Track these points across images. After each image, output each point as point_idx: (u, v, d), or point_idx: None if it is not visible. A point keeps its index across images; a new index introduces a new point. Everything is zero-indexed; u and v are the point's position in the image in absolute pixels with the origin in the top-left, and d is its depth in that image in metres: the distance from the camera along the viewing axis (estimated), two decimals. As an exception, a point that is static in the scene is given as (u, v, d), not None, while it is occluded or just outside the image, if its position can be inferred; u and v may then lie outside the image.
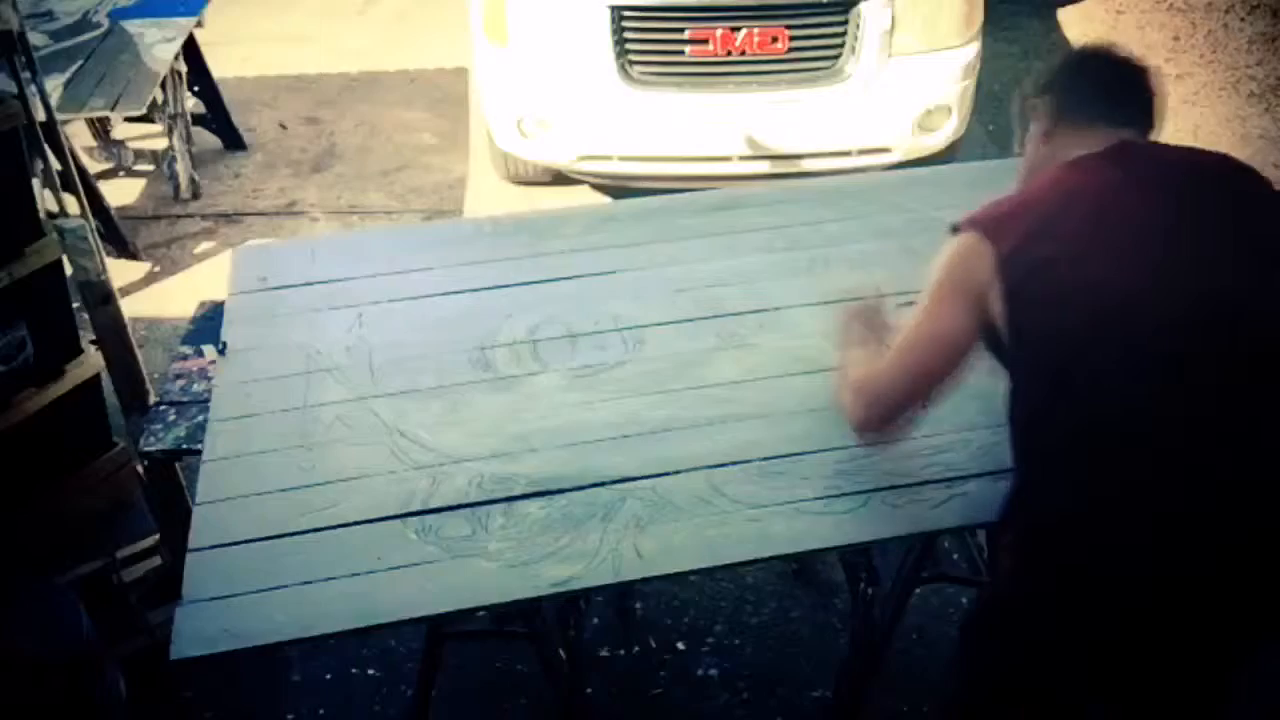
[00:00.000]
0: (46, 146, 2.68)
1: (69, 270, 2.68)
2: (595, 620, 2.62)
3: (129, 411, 2.63)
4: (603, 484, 1.71)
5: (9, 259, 2.58)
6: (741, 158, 3.93)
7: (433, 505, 1.67)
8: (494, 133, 4.17)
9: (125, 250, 4.01)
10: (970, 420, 1.83)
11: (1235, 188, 1.61)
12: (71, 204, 2.76)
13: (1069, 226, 1.48)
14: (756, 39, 3.76)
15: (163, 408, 2.26)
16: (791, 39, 3.79)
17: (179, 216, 4.38)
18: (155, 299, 3.87)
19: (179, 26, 4.20)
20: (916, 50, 3.88)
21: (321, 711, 2.45)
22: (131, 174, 4.62)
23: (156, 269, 4.05)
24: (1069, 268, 1.45)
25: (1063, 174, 1.56)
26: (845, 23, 3.80)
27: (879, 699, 2.37)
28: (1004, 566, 1.61)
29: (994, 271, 1.48)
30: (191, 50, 4.44)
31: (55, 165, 2.76)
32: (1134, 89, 1.63)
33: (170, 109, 4.28)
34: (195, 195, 4.46)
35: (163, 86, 4.14)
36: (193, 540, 1.63)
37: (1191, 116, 5.00)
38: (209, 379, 2.14)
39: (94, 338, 2.77)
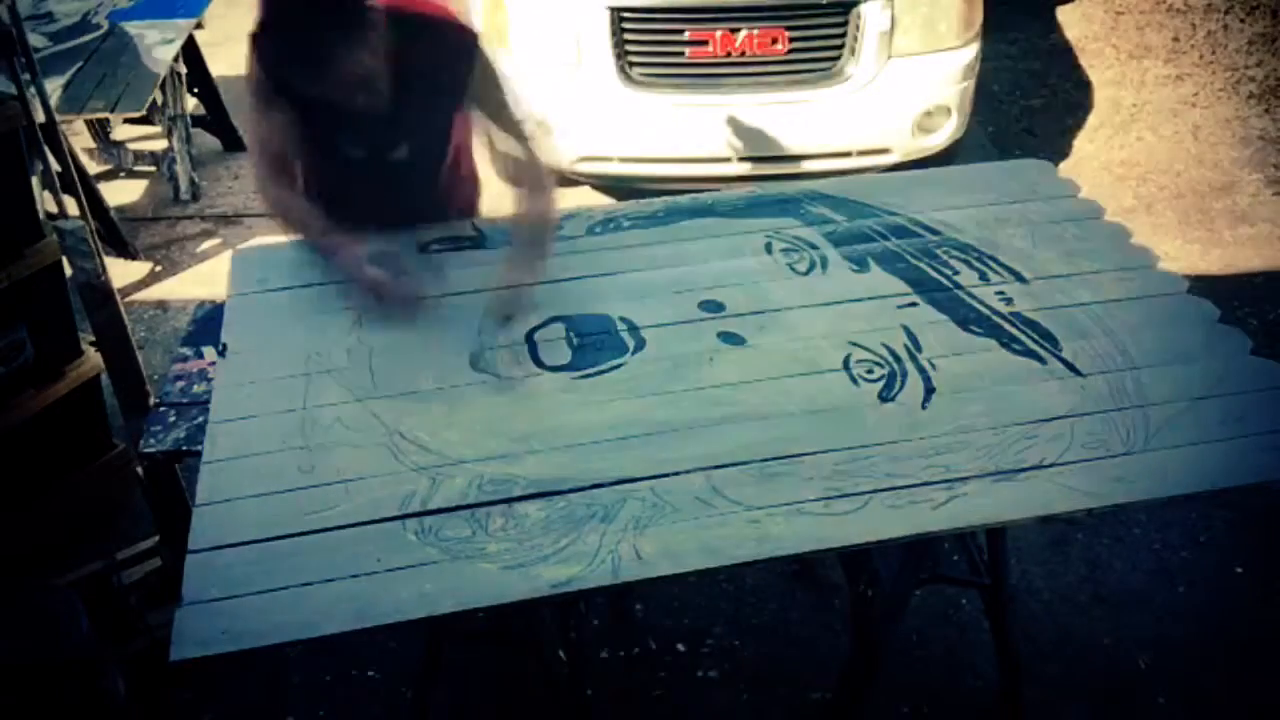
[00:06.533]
0: (46, 148, 2.68)
1: (69, 271, 2.69)
2: (595, 622, 2.62)
3: (129, 413, 2.64)
4: (602, 485, 1.71)
5: (8, 260, 2.58)
6: (741, 159, 3.93)
7: (432, 506, 1.67)
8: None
9: (125, 251, 4.01)
10: (970, 421, 1.83)
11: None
12: (71, 205, 2.76)
13: None
14: (756, 40, 3.76)
15: (162, 409, 2.26)
16: (791, 40, 3.79)
17: (179, 218, 4.38)
18: (155, 300, 3.88)
19: (179, 28, 4.20)
20: (916, 51, 3.88)
21: (321, 713, 2.45)
22: (131, 175, 4.62)
23: (156, 270, 4.05)
24: None
25: None
26: (845, 24, 3.80)
27: (879, 700, 2.37)
28: None
29: None
30: (191, 51, 4.44)
31: (55, 166, 2.76)
32: None
33: (170, 110, 4.28)
34: (195, 196, 4.46)
35: (162, 88, 4.15)
36: (192, 542, 1.62)
37: (1191, 117, 5.00)
38: (209, 380, 2.14)
39: (94, 339, 2.77)
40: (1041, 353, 1.98)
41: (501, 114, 2.21)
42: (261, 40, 1.94)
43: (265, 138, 2.16)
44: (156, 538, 2.62)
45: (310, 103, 2.01)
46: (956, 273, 2.20)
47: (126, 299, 3.74)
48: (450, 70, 2.13)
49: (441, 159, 2.31)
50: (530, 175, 2.21)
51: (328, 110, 2.03)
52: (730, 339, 2.03)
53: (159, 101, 4.22)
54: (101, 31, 4.16)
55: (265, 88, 2.05)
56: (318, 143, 2.16)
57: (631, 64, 3.82)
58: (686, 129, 3.86)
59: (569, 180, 4.31)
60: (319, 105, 2.00)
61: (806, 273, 2.22)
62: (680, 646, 2.59)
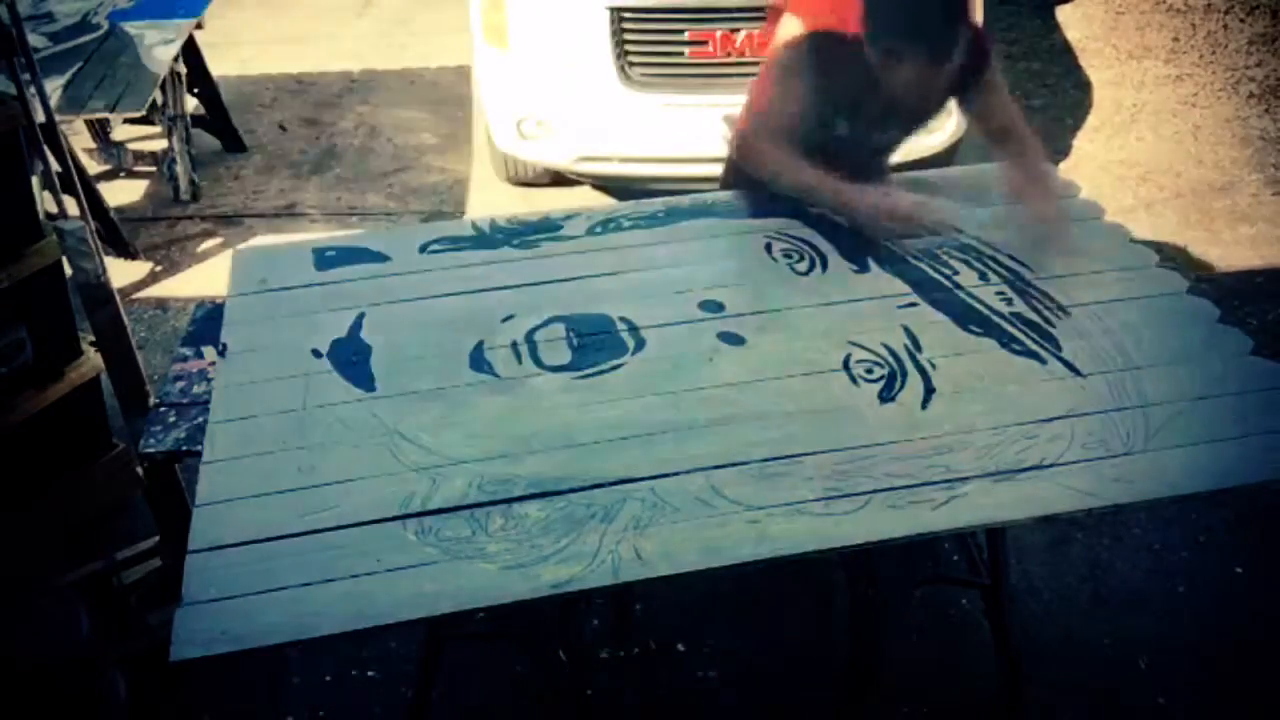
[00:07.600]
0: (46, 148, 2.68)
1: (69, 272, 2.68)
2: (595, 622, 2.62)
3: (128, 413, 2.63)
4: (602, 485, 1.71)
5: (8, 261, 2.58)
6: (741, 159, 3.92)
7: (432, 507, 1.67)
8: (494, 134, 4.17)
9: (125, 251, 4.01)
10: (970, 421, 1.83)
11: None
12: (71, 205, 2.76)
13: None
14: (756, 40, 3.76)
15: (162, 409, 2.25)
16: (791, 40, 3.78)
17: (179, 218, 4.38)
18: (155, 300, 3.88)
19: (179, 28, 4.20)
20: (916, 51, 3.87)
21: (321, 713, 2.45)
22: (131, 175, 4.62)
23: (156, 270, 4.05)
24: None
25: None
26: (845, 24, 3.80)
27: (879, 700, 2.37)
28: None
29: None
30: (191, 52, 4.44)
31: (55, 167, 2.76)
32: None
33: (170, 110, 4.28)
34: (195, 197, 4.46)
35: (162, 88, 4.14)
36: (192, 542, 1.62)
37: (1191, 117, 5.00)
38: (209, 380, 2.14)
39: (93, 339, 2.77)
40: (1041, 353, 1.98)
41: (997, 119, 2.41)
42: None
43: (779, 103, 2.31)
44: (156, 538, 2.62)
45: (831, 83, 2.22)
46: (956, 273, 2.20)
47: (126, 299, 3.74)
48: (966, 77, 2.27)
49: (903, 141, 2.48)
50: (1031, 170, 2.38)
51: (840, 90, 2.23)
52: (730, 339, 2.03)
53: (159, 101, 4.22)
54: (101, 31, 4.16)
55: (801, 58, 2.25)
56: (816, 115, 2.28)
57: (631, 64, 3.82)
58: (686, 129, 3.86)
59: (569, 180, 4.32)
60: (836, 86, 2.22)
61: (806, 273, 2.22)
62: (680, 646, 2.59)
